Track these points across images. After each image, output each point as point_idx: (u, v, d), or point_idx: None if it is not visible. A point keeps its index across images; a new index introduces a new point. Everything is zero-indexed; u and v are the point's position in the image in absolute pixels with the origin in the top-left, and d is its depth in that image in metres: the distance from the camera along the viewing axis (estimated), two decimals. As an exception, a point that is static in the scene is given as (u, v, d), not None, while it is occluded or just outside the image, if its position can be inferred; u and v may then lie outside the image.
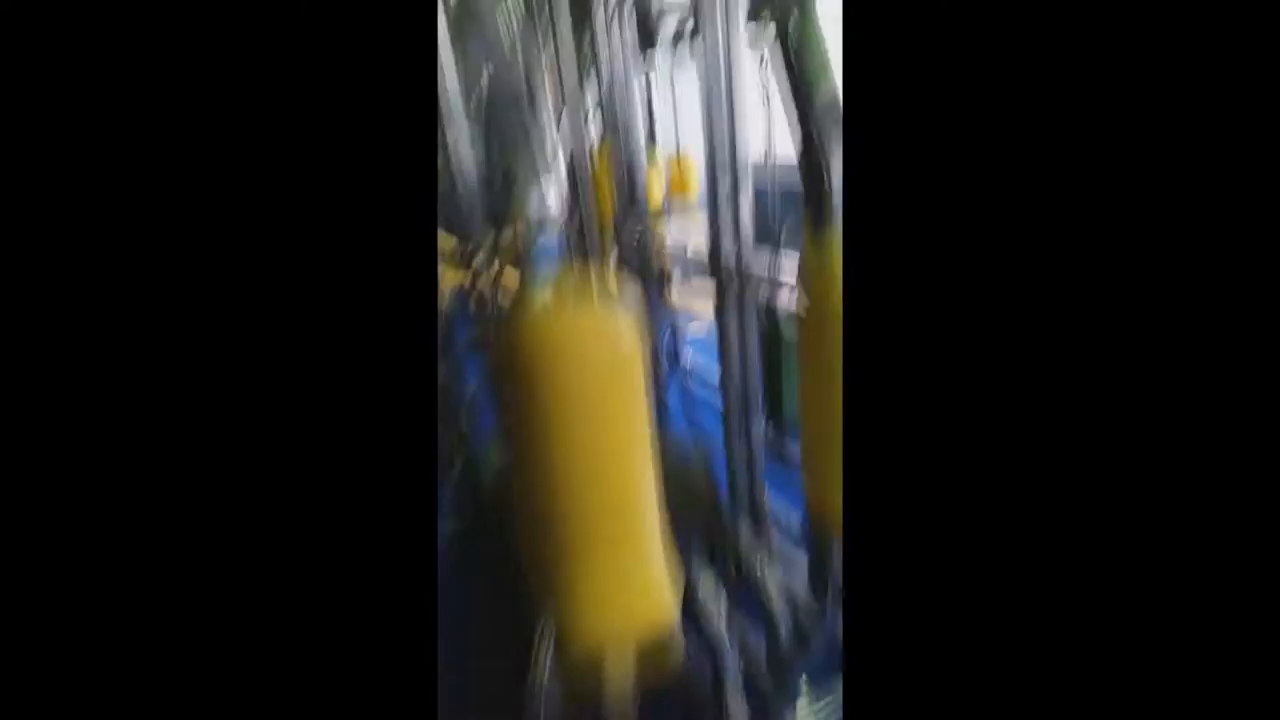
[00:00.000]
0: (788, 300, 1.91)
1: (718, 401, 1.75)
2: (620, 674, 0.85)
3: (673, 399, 2.09)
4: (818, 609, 1.31)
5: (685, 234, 4.08)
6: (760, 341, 1.78)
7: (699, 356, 3.12)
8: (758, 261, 1.60)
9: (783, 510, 1.95)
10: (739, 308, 1.86)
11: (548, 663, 0.84)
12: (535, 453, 0.75)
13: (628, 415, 0.77)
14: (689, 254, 3.71)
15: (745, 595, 1.91)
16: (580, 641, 0.79)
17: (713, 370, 1.83)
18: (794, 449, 2.37)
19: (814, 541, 1.28)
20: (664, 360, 2.18)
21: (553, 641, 0.86)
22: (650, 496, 0.80)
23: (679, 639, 0.84)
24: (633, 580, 0.79)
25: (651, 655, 0.80)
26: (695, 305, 2.78)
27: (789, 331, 2.16)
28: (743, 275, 1.54)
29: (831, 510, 0.99)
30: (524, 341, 0.74)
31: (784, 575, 1.49)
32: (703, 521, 1.84)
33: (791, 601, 1.39)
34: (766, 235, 1.90)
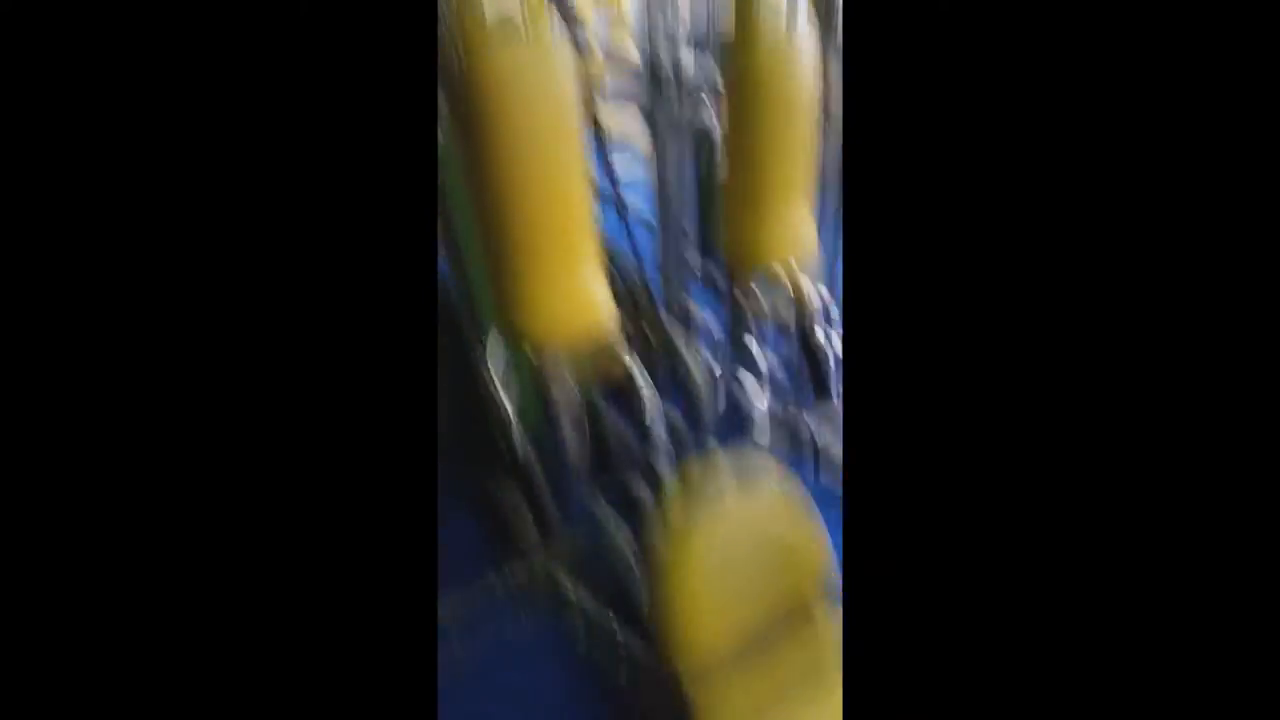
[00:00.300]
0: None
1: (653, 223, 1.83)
2: (566, 375, 1.01)
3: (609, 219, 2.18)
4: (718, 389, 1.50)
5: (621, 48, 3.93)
6: (694, 159, 1.83)
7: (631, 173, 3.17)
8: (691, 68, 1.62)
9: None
10: (671, 120, 1.89)
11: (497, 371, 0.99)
12: (487, 179, 0.84)
13: (566, 149, 0.85)
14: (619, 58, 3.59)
15: (668, 379, 2.14)
16: (530, 347, 0.93)
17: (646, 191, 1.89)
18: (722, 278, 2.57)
19: (730, 319, 1.45)
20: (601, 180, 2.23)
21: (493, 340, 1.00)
22: (589, 225, 0.91)
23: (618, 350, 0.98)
24: (574, 297, 0.92)
25: (593, 360, 0.95)
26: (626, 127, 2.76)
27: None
28: (679, 81, 1.56)
29: (746, 262, 1.14)
30: (475, 76, 0.79)
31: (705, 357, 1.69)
32: (632, 311, 2.00)
33: (709, 378, 1.59)
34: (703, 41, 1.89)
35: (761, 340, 1.55)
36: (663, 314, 2.07)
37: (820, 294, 1.62)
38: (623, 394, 2.11)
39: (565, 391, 1.05)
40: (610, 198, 3.21)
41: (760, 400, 2.17)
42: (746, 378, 2.28)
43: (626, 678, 1.41)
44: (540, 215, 0.85)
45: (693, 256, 2.44)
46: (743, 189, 1.04)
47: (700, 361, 1.73)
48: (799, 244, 1.10)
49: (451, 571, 1.59)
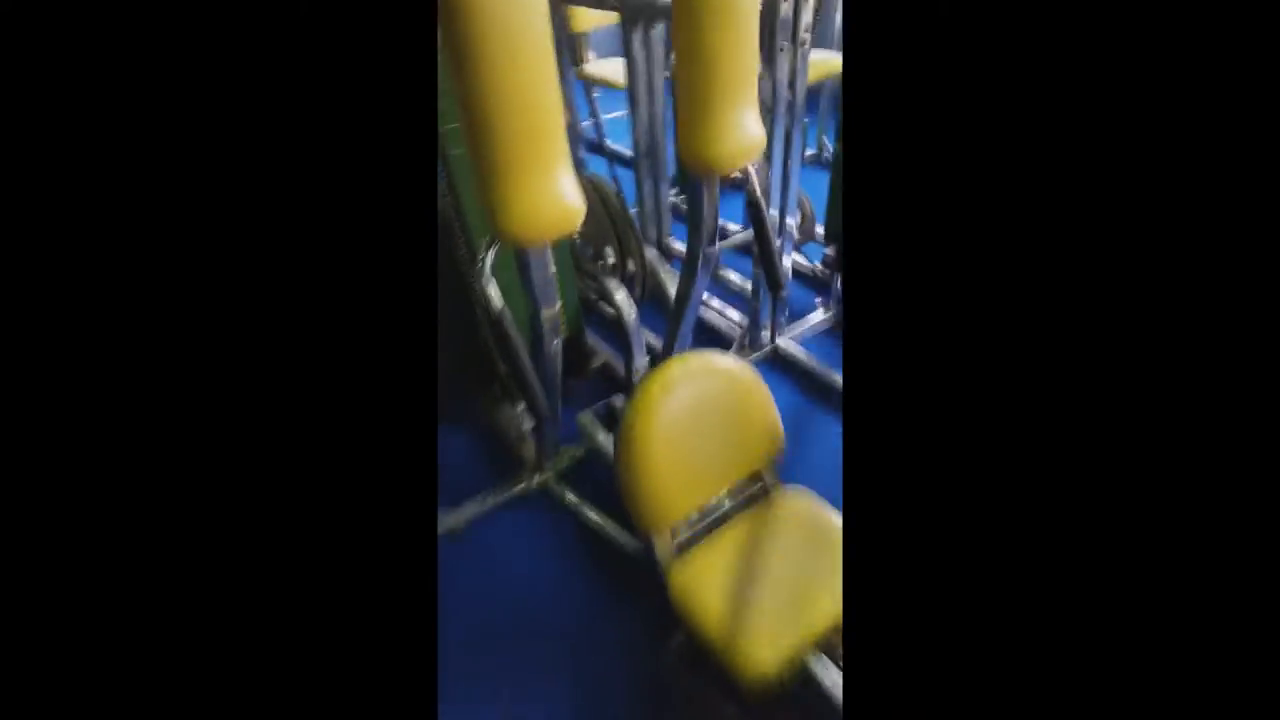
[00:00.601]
0: None
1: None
2: (547, 268, 1.14)
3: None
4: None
5: None
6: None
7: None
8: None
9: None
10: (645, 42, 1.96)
11: (489, 264, 1.11)
12: (469, 87, 0.95)
13: (538, 54, 0.95)
14: None
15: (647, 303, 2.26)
16: (510, 242, 1.05)
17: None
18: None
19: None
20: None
21: (489, 251, 1.12)
22: (560, 129, 1.02)
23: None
24: (549, 195, 1.04)
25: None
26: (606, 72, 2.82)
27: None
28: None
29: (698, 166, 1.25)
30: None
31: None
32: (611, 232, 2.12)
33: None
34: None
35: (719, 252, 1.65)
36: (644, 245, 2.19)
37: (774, 201, 1.72)
38: (604, 307, 2.22)
39: (547, 288, 1.18)
40: (596, 143, 3.29)
41: (723, 315, 2.31)
42: (712, 297, 2.41)
43: (616, 565, 1.58)
44: (512, 122, 0.96)
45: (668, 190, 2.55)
46: (689, 91, 1.16)
47: (674, 284, 1.85)
48: (746, 149, 1.22)
49: (455, 487, 1.75)
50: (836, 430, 1.92)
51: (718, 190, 1.37)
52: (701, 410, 1.29)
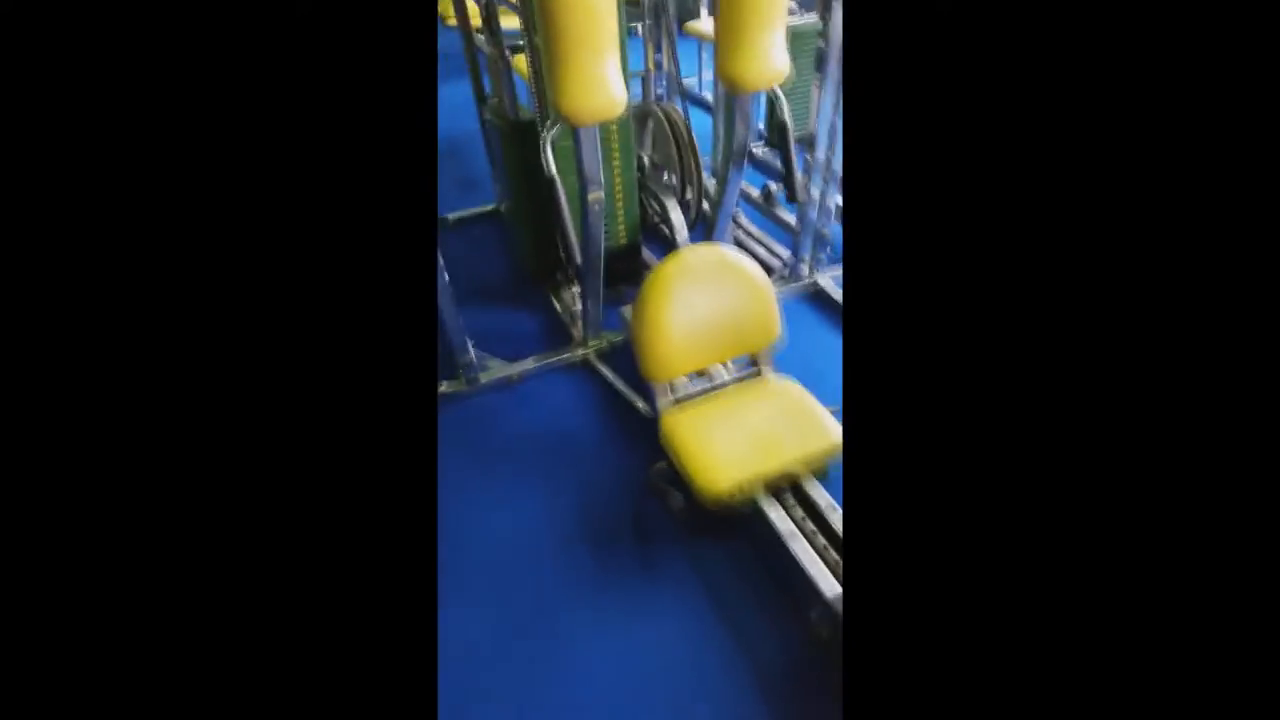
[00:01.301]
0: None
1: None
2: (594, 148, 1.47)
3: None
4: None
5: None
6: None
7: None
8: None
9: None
10: None
11: (550, 141, 1.45)
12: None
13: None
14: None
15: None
16: (564, 119, 1.39)
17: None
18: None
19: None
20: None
21: (553, 128, 1.46)
22: (613, 33, 1.32)
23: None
24: (600, 84, 1.35)
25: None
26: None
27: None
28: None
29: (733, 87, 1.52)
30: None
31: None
32: (676, 159, 2.41)
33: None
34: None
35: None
36: (705, 175, 2.46)
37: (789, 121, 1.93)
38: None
39: (594, 169, 1.52)
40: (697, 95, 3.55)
41: (773, 253, 2.54)
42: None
43: (627, 417, 1.91)
44: (574, 23, 1.28)
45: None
46: (727, 23, 1.44)
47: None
48: (772, 72, 1.48)
49: (519, 349, 2.14)
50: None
51: (749, 107, 1.64)
52: (709, 290, 1.58)
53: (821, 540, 1.42)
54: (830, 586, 1.31)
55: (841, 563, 1.38)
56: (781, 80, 1.49)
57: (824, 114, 2.04)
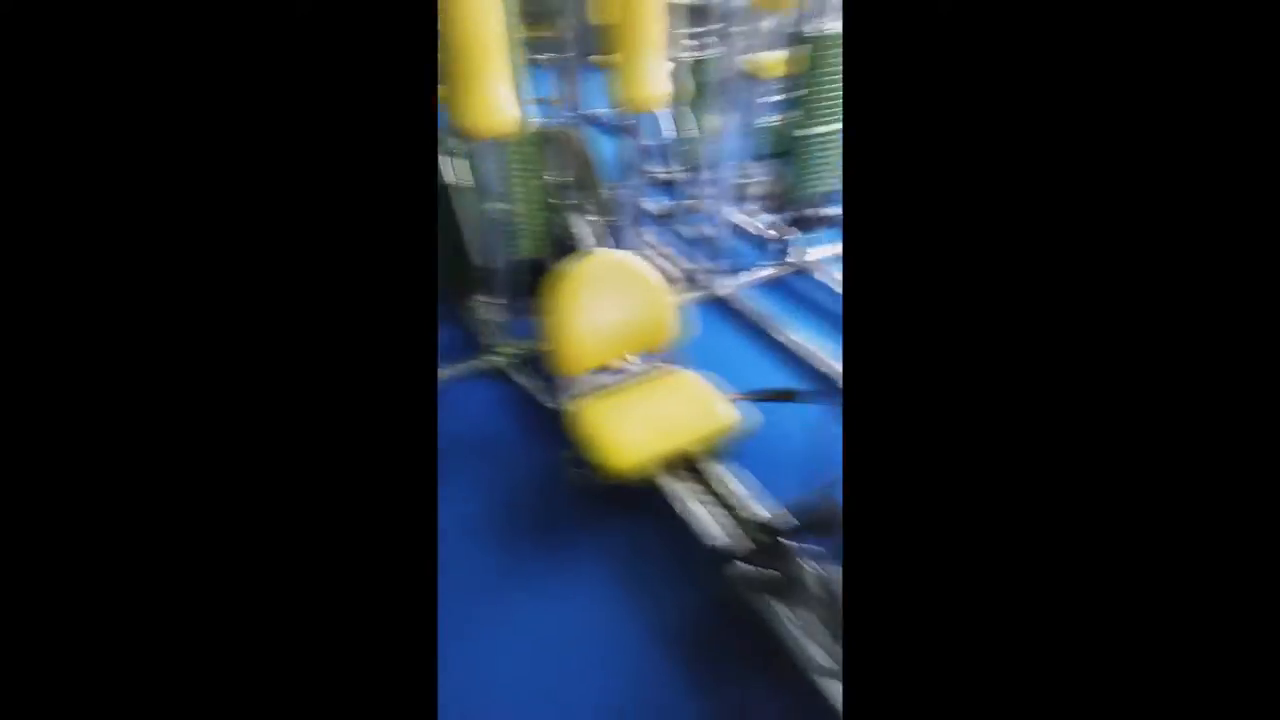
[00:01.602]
0: None
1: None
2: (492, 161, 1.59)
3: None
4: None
5: None
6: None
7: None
8: None
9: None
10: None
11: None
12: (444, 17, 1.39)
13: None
14: None
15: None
16: (464, 131, 1.51)
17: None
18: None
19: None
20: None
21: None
22: (503, 55, 1.46)
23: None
24: (488, 103, 1.49)
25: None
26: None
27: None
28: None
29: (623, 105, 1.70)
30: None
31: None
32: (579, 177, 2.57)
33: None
34: None
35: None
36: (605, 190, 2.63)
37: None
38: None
39: (492, 183, 1.64)
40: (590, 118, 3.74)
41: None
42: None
43: (536, 414, 2.01)
44: (466, 42, 1.40)
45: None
46: (615, 43, 1.62)
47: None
48: (651, 95, 1.67)
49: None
50: (756, 363, 2.33)
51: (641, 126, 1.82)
52: (612, 292, 1.72)
53: (718, 509, 1.57)
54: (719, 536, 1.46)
55: (735, 521, 1.53)
56: (663, 104, 1.69)
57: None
